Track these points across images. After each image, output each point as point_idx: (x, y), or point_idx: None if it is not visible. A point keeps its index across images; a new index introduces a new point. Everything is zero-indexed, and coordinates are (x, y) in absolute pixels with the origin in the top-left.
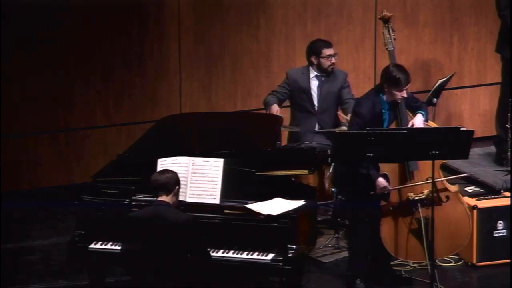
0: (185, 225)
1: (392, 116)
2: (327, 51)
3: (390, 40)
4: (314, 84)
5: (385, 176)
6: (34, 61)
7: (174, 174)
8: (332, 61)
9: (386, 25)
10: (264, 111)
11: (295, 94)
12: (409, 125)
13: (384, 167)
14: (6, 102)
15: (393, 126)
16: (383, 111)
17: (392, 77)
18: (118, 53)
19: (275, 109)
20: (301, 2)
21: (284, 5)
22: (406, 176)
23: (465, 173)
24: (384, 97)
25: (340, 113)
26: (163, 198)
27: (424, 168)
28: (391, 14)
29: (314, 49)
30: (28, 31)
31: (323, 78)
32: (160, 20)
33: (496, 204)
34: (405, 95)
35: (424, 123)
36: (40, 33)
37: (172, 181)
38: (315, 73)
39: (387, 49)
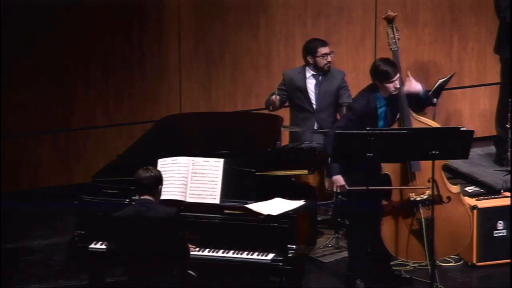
0: (166, 218)
1: (391, 113)
2: (323, 50)
3: (394, 40)
4: (311, 83)
5: (386, 176)
6: (34, 61)
7: (157, 172)
8: (328, 60)
9: (390, 25)
10: (264, 111)
11: (292, 94)
12: (405, 88)
13: (386, 168)
14: (6, 102)
15: (395, 126)
16: (379, 107)
17: (380, 71)
18: (118, 53)
19: (275, 97)
20: (301, 2)
21: (284, 5)
22: (408, 177)
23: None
24: (381, 93)
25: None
26: (146, 196)
27: (426, 169)
28: (395, 14)
29: (310, 49)
30: (28, 31)
31: (320, 77)
32: (160, 20)
33: (496, 204)
34: (398, 86)
35: (421, 116)
36: (40, 33)
37: (157, 181)
38: (312, 73)
39: (391, 49)
